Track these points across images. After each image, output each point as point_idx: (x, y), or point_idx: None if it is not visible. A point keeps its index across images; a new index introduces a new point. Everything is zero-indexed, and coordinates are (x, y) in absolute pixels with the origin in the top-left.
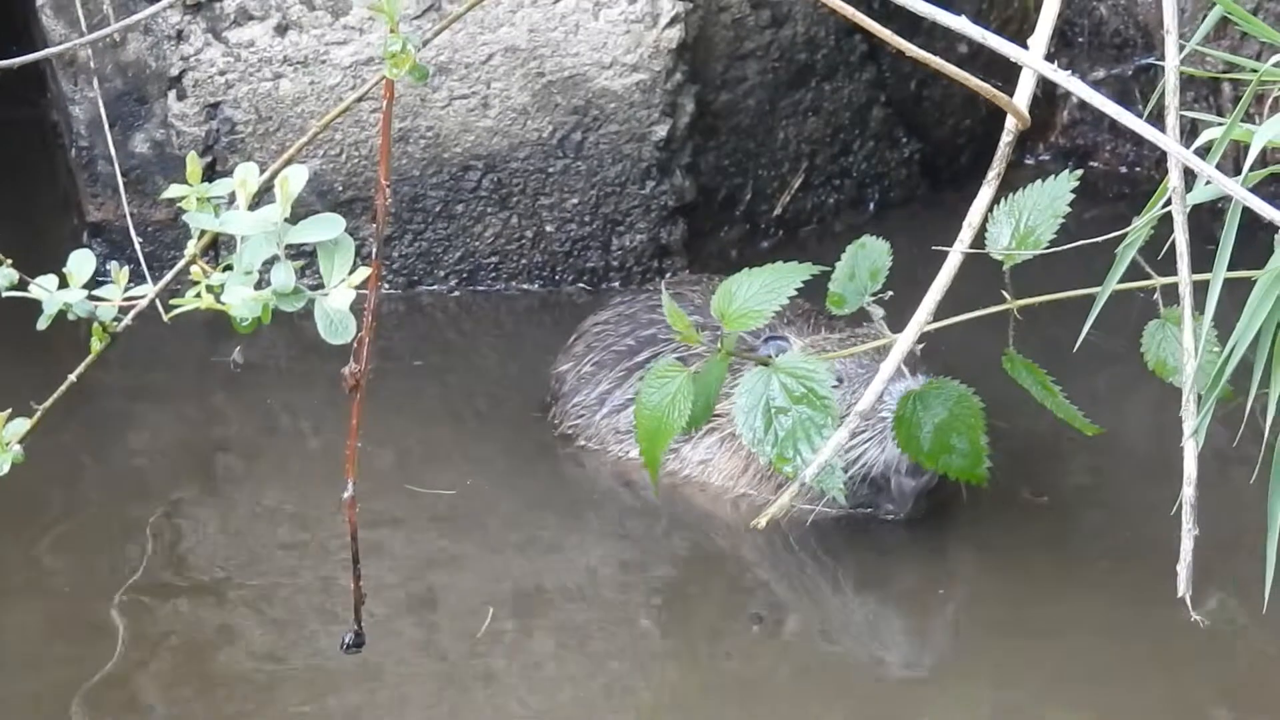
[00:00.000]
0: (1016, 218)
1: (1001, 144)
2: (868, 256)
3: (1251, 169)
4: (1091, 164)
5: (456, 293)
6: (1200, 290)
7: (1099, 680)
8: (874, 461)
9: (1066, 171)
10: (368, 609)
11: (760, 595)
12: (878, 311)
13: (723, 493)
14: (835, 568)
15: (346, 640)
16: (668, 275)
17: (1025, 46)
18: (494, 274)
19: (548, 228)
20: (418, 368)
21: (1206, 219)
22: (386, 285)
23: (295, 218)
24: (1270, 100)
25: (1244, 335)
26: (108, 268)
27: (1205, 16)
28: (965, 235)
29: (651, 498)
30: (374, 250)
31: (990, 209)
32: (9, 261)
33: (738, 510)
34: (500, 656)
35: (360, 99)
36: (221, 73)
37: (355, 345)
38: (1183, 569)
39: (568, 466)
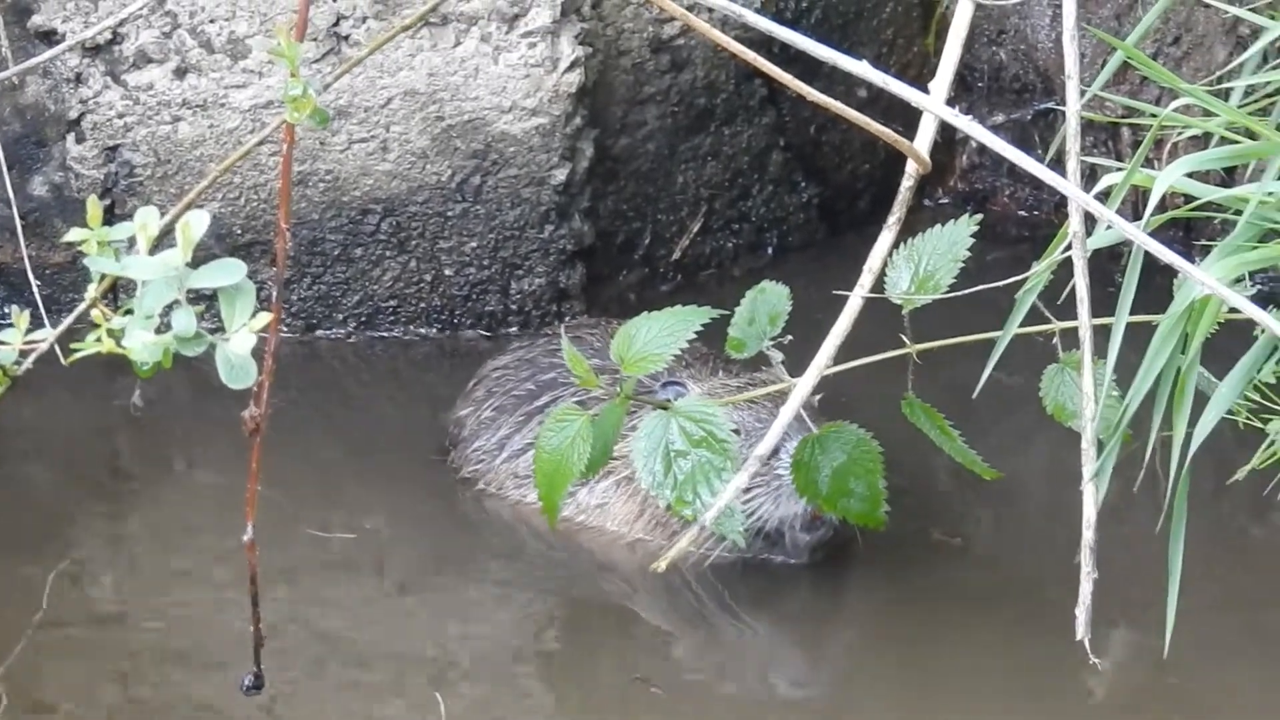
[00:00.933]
0: (916, 262)
1: (902, 188)
2: (767, 301)
3: (1152, 214)
4: (991, 208)
5: (354, 337)
6: (1099, 334)
7: (990, 717)
8: (769, 516)
9: (966, 216)
10: (267, 652)
11: (658, 639)
12: (777, 356)
13: (619, 537)
14: (733, 608)
15: (246, 683)
16: (566, 319)
17: (926, 91)
18: (392, 318)
19: (446, 271)
20: (318, 410)
21: (1106, 263)
22: (285, 329)
23: (195, 261)
24: (1169, 145)
25: (1144, 380)
26: (7, 310)
27: (1105, 62)
28: (865, 279)
29: (549, 542)
30: (274, 294)
31: (890, 253)
32: None
33: (634, 554)
34: (397, 701)
35: (260, 143)
36: (120, 115)
37: (255, 389)
38: (1081, 612)
39: (467, 511)
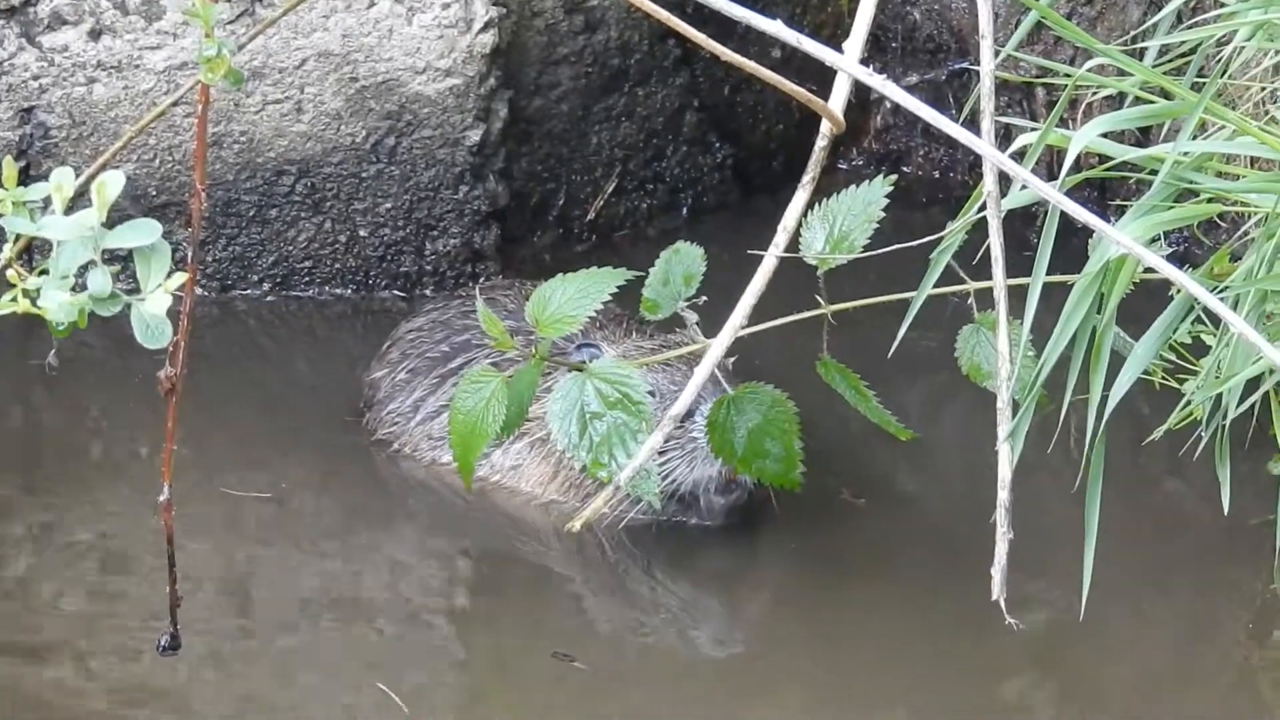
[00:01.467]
0: (831, 222)
1: (816, 148)
2: (681, 262)
3: (1067, 174)
4: (905, 169)
5: (270, 297)
6: (1015, 295)
7: (909, 676)
8: (684, 479)
9: (880, 177)
10: (184, 611)
11: (571, 593)
12: (691, 317)
13: (532, 498)
14: (648, 566)
15: (163, 642)
16: (481, 280)
17: (840, 51)
18: (308, 278)
19: (361, 232)
20: (233, 369)
21: (1021, 225)
22: (200, 289)
23: (110, 222)
24: (1084, 105)
25: (1059, 340)
26: None
27: (1020, 22)
28: (780, 239)
29: (464, 502)
30: (189, 255)
31: (805, 213)
32: None
33: (548, 515)
34: (313, 660)
35: (175, 103)
36: (35, 77)
37: (171, 349)
38: (997, 572)
39: (382, 472)
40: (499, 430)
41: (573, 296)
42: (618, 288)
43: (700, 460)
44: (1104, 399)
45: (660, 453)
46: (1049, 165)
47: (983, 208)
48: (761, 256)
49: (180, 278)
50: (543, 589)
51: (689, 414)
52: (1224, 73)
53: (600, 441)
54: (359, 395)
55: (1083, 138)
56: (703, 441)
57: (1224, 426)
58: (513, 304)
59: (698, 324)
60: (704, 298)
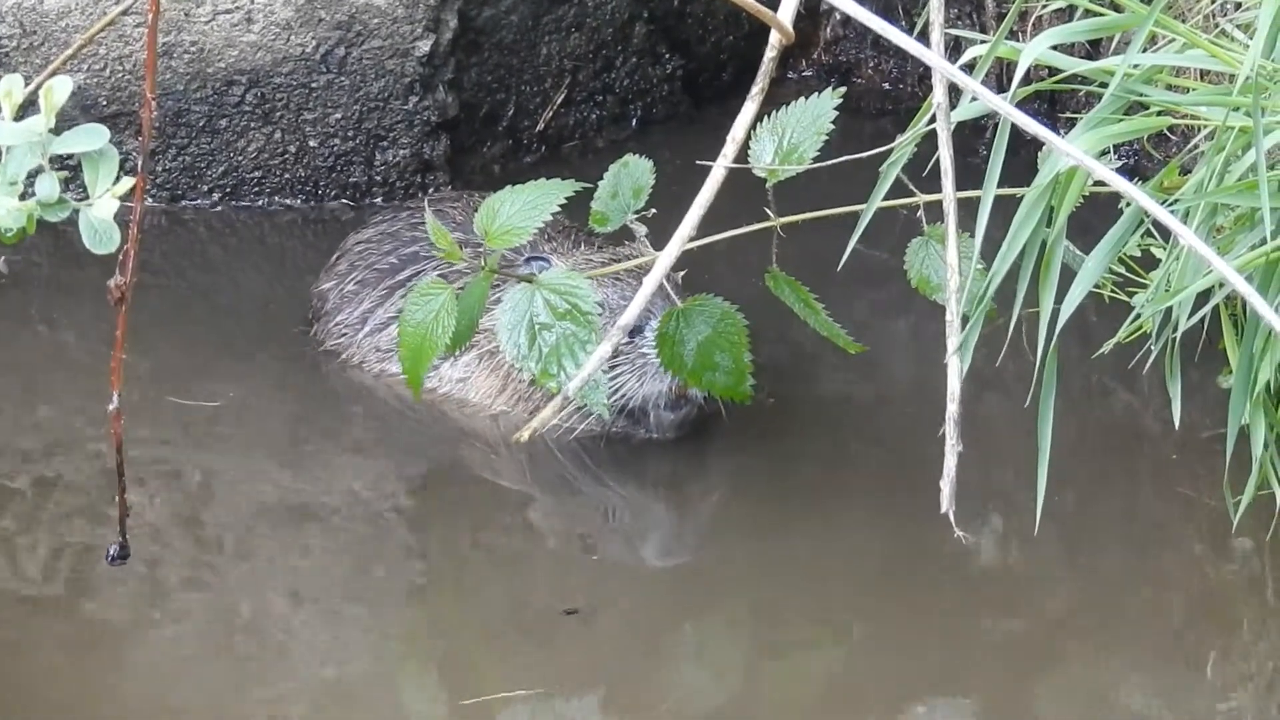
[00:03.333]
0: (779, 135)
1: (765, 59)
2: (630, 175)
3: (1018, 86)
4: (854, 80)
5: (219, 207)
6: (964, 207)
7: (855, 588)
8: (633, 394)
9: (830, 89)
10: (132, 521)
11: (518, 501)
12: (640, 229)
13: (481, 410)
14: (596, 474)
15: (112, 552)
16: (430, 191)
17: None
18: (257, 189)
19: (311, 143)
20: (182, 278)
21: (970, 137)
22: (150, 199)
23: (60, 131)
24: (1034, 19)
25: (1009, 253)
26: None
27: None
28: (729, 150)
29: (412, 411)
30: (139, 163)
31: (754, 125)
32: None
33: (497, 426)
34: (266, 568)
35: (124, 12)
36: None
37: (120, 257)
38: (946, 484)
39: (331, 382)
40: (448, 343)
41: (521, 208)
42: (567, 200)
43: (650, 376)
44: (1055, 312)
45: (610, 368)
46: (999, 78)
47: (932, 120)
48: (710, 168)
49: (128, 183)
50: (490, 499)
51: (638, 329)
52: None
53: (549, 352)
54: (308, 307)
55: (1033, 50)
56: (653, 357)
57: (1174, 340)
58: (461, 216)
59: (647, 236)
60: (653, 210)
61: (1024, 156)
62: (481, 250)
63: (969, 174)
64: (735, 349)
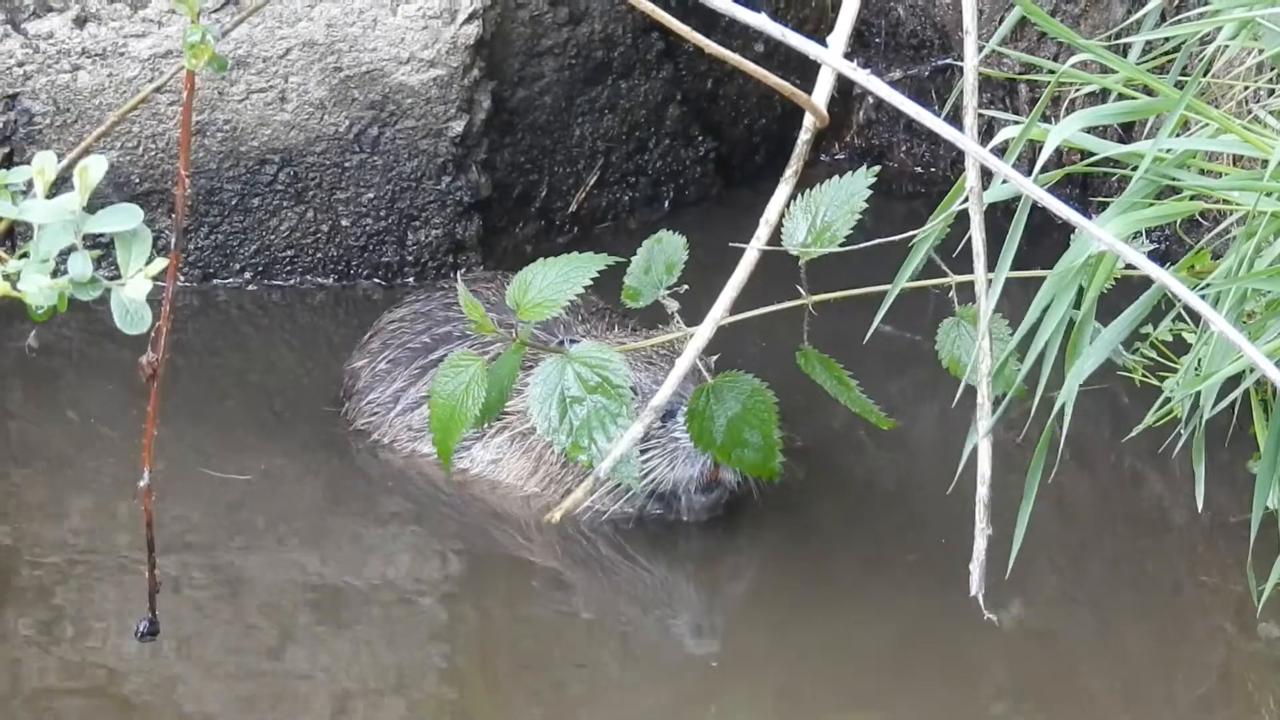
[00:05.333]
0: (813, 214)
1: (799, 141)
2: (664, 250)
3: (1046, 169)
4: (887, 163)
5: (252, 286)
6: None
7: (885, 669)
8: (663, 479)
9: (864, 168)
10: (162, 597)
11: (551, 581)
12: (673, 305)
13: (512, 491)
14: (629, 554)
15: (141, 628)
16: (462, 271)
17: (824, 44)
18: (289, 268)
19: (343, 222)
20: (214, 359)
21: (1002, 220)
22: (182, 278)
23: (93, 210)
24: (1067, 102)
25: (1039, 334)
26: None
27: (1004, 18)
28: (762, 231)
29: (443, 491)
30: (172, 241)
31: (787, 205)
32: None
33: (529, 508)
34: (297, 648)
35: (158, 90)
36: (20, 64)
37: (152, 335)
38: (976, 567)
39: (361, 462)
40: (478, 415)
41: (554, 281)
42: (600, 277)
43: (682, 460)
44: (1071, 390)
45: (641, 452)
46: (1030, 162)
47: (964, 201)
48: (743, 249)
49: (160, 263)
50: (522, 579)
51: (670, 413)
52: (1207, 71)
53: (580, 425)
54: (339, 386)
55: (1062, 131)
56: (685, 441)
57: (1202, 424)
58: (495, 296)
59: (679, 313)
60: (685, 286)
61: (1056, 238)
62: (515, 326)
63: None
64: (765, 426)
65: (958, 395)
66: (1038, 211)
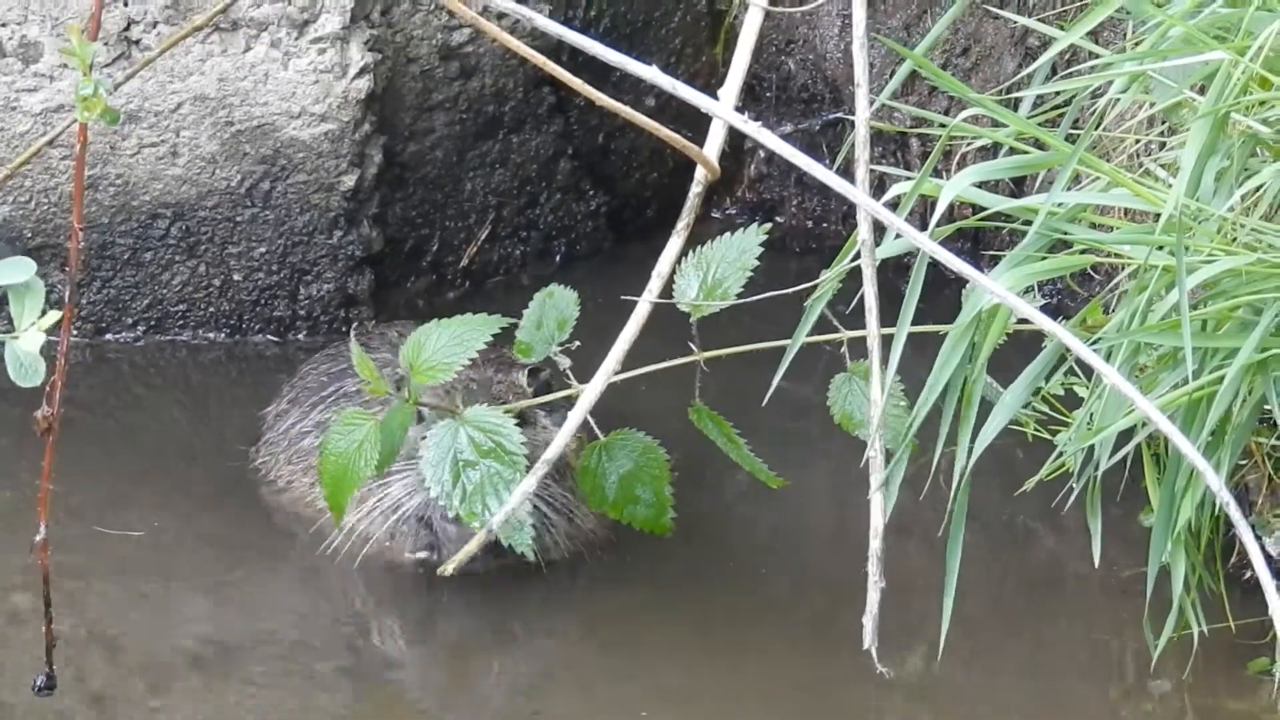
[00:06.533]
0: (705, 270)
1: (691, 194)
2: (555, 306)
3: (939, 223)
4: (778, 219)
5: (143, 341)
6: (888, 344)
7: None
8: (406, 505)
9: (755, 225)
10: (60, 651)
11: (442, 631)
12: (564, 362)
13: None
14: (514, 613)
15: (39, 683)
16: (355, 325)
17: (715, 97)
18: (182, 322)
19: (235, 276)
20: (106, 415)
21: (894, 276)
22: (75, 333)
23: None
24: (959, 156)
25: (931, 389)
26: None
27: (894, 72)
28: (654, 285)
29: (330, 548)
30: (66, 294)
31: (679, 260)
32: None
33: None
34: (185, 705)
35: (50, 143)
36: None
37: (48, 389)
38: (869, 620)
39: (254, 517)
40: (372, 470)
41: (448, 344)
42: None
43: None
44: (971, 448)
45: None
46: (923, 216)
47: (857, 256)
48: (635, 303)
49: (54, 316)
50: (417, 624)
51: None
52: (1099, 124)
53: (474, 490)
54: (232, 438)
55: (955, 186)
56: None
57: (1095, 478)
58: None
59: (570, 369)
60: (578, 343)
61: (948, 295)
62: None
63: (894, 311)
64: (657, 483)
65: (867, 454)
66: (931, 267)
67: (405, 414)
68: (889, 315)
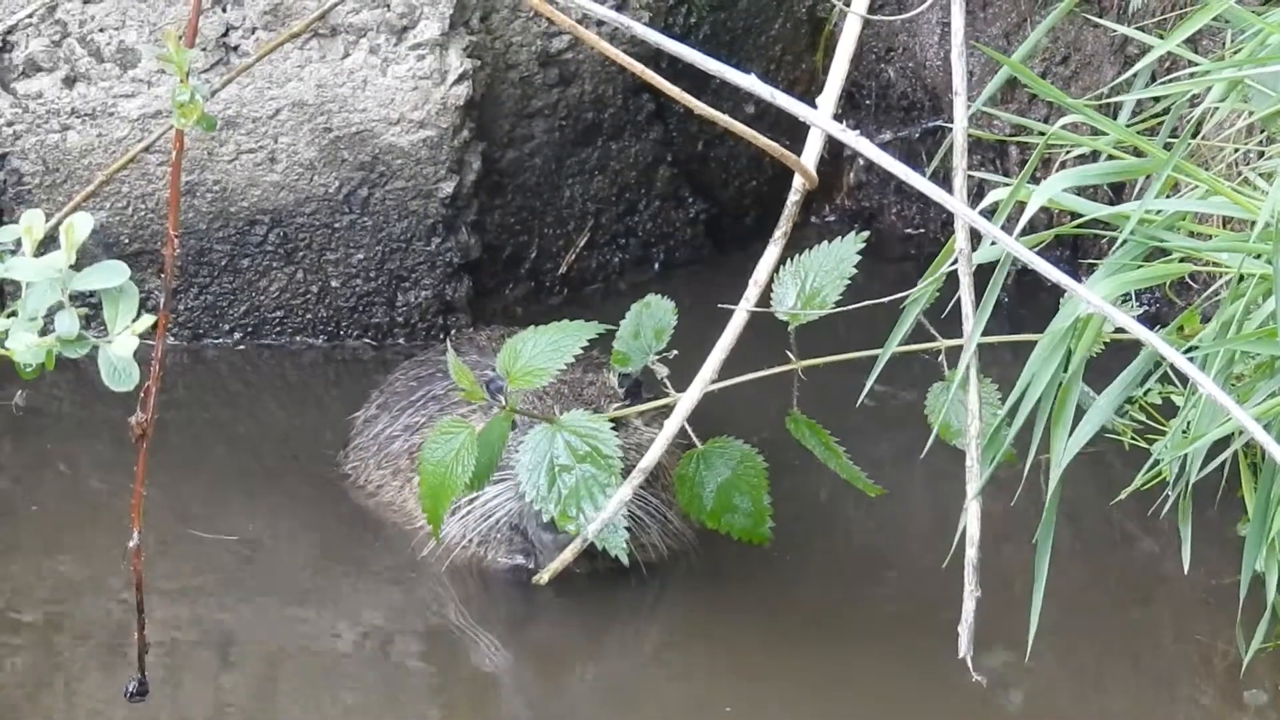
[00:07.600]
0: (802, 278)
1: (789, 203)
2: (652, 316)
3: (1036, 230)
4: (876, 226)
5: (241, 346)
6: (985, 352)
7: None
8: (504, 512)
9: (853, 233)
10: (151, 656)
11: (534, 634)
12: (662, 370)
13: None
14: (608, 616)
15: (130, 689)
16: (453, 332)
17: (814, 106)
18: (279, 328)
19: (333, 283)
20: (203, 417)
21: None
22: (171, 338)
23: (81, 269)
24: (1057, 164)
25: (1027, 397)
26: None
27: (993, 80)
28: (751, 294)
29: (424, 551)
30: (162, 301)
31: (776, 269)
32: None
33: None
34: (287, 709)
35: (147, 149)
36: (9, 124)
37: (141, 394)
38: (964, 629)
39: (349, 518)
40: (469, 481)
41: (544, 350)
42: (591, 341)
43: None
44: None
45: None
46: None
47: (954, 264)
48: (732, 311)
49: (147, 320)
50: (513, 638)
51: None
52: (1197, 132)
53: (569, 494)
54: (330, 441)
55: (1045, 191)
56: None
57: (1188, 486)
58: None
59: (668, 378)
60: (675, 351)
61: (1045, 300)
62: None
63: (992, 318)
64: (755, 491)
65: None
66: (1030, 273)
67: (504, 425)
68: (986, 322)
